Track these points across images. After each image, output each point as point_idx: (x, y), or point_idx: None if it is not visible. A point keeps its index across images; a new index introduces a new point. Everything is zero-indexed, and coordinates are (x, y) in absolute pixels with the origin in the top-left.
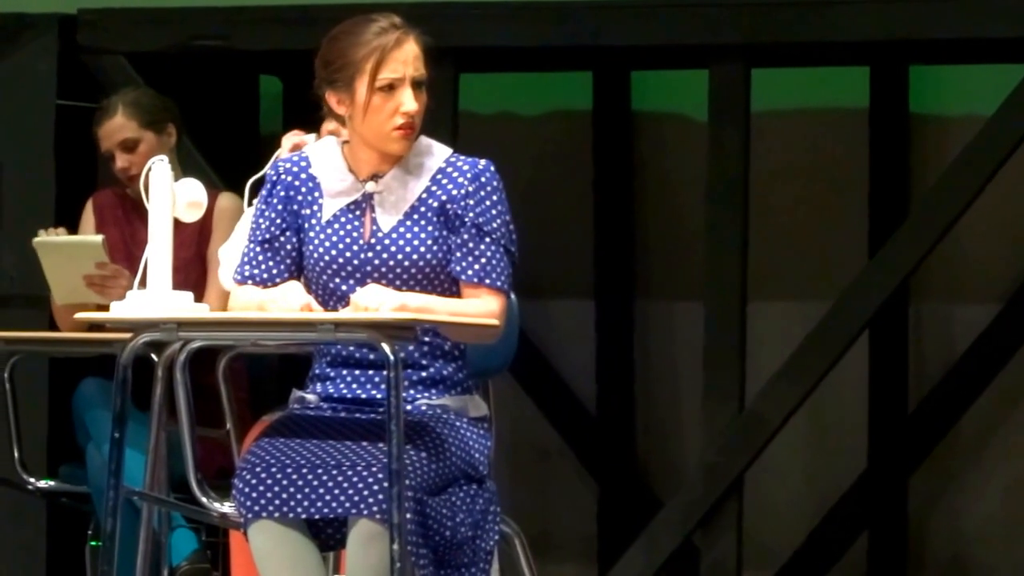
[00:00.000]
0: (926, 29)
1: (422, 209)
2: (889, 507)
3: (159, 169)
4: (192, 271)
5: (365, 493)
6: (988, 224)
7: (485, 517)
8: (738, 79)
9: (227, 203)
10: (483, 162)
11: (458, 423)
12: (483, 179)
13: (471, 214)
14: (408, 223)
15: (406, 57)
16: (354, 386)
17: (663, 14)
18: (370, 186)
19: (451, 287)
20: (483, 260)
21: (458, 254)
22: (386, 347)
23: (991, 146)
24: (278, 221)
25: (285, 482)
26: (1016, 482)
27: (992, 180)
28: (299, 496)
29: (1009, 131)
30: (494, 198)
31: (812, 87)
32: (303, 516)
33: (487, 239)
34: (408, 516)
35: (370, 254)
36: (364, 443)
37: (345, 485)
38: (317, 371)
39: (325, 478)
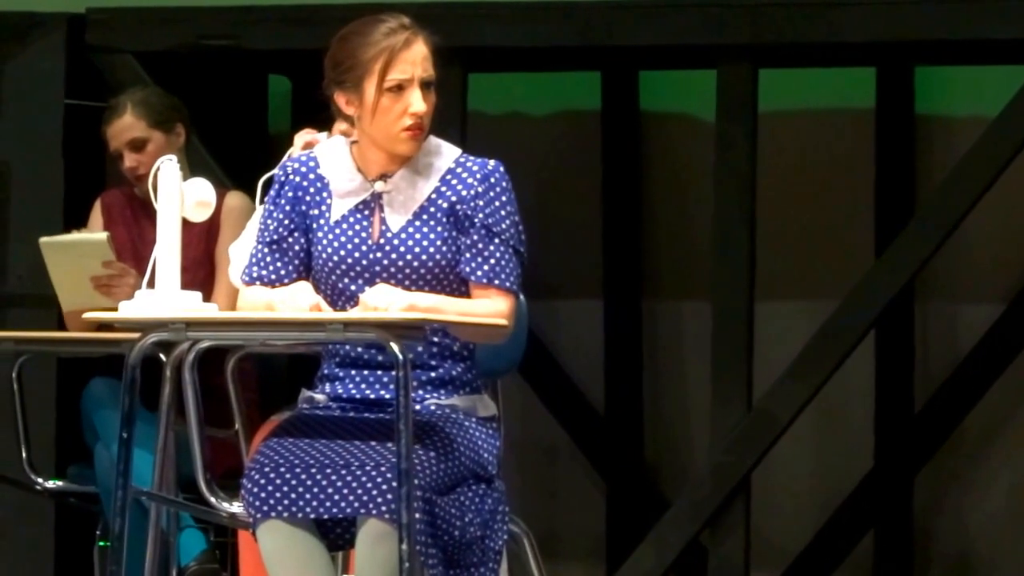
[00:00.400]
0: (932, 30)
1: (431, 209)
2: (895, 506)
3: (167, 169)
4: (200, 270)
5: (374, 493)
6: (994, 224)
7: (494, 517)
8: (746, 79)
9: (235, 202)
10: (492, 162)
11: (467, 423)
12: (492, 180)
13: (481, 215)
14: (417, 223)
15: (415, 58)
16: (363, 386)
17: (671, 14)
18: (379, 186)
19: (460, 287)
20: (492, 261)
21: (467, 255)
22: (395, 347)
23: (997, 147)
24: (286, 222)
25: (294, 482)
26: (1022, 481)
27: (998, 180)
28: (308, 496)
29: (1014, 132)
30: (503, 199)
31: (819, 88)
32: (312, 516)
33: (496, 240)
34: (417, 516)
35: (379, 254)
36: (373, 443)
37: (354, 485)
38: (326, 371)
39: (334, 478)
